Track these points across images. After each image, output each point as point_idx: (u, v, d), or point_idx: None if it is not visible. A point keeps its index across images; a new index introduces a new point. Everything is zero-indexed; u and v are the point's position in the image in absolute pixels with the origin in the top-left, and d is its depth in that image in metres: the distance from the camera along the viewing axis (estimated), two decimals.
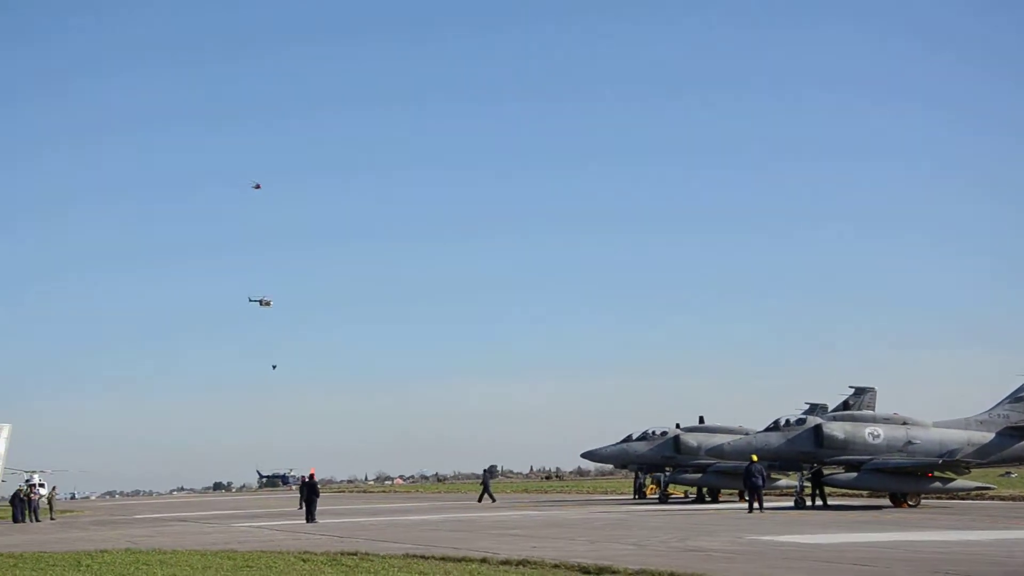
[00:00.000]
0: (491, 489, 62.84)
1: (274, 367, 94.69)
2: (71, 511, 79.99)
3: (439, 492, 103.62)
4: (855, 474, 43.82)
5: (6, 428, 69.84)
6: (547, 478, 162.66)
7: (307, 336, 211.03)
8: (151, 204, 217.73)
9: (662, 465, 57.01)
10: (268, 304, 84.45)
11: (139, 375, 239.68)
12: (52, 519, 60.69)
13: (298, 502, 59.83)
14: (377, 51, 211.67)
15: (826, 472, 46.10)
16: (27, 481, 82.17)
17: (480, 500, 60.59)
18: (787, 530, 29.04)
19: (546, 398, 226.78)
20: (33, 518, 58.18)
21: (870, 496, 48.94)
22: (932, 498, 46.20)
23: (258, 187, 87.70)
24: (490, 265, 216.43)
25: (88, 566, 23.11)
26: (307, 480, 45.30)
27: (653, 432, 57.27)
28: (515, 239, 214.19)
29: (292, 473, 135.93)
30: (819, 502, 45.14)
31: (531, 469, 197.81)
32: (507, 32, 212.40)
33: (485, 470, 69.75)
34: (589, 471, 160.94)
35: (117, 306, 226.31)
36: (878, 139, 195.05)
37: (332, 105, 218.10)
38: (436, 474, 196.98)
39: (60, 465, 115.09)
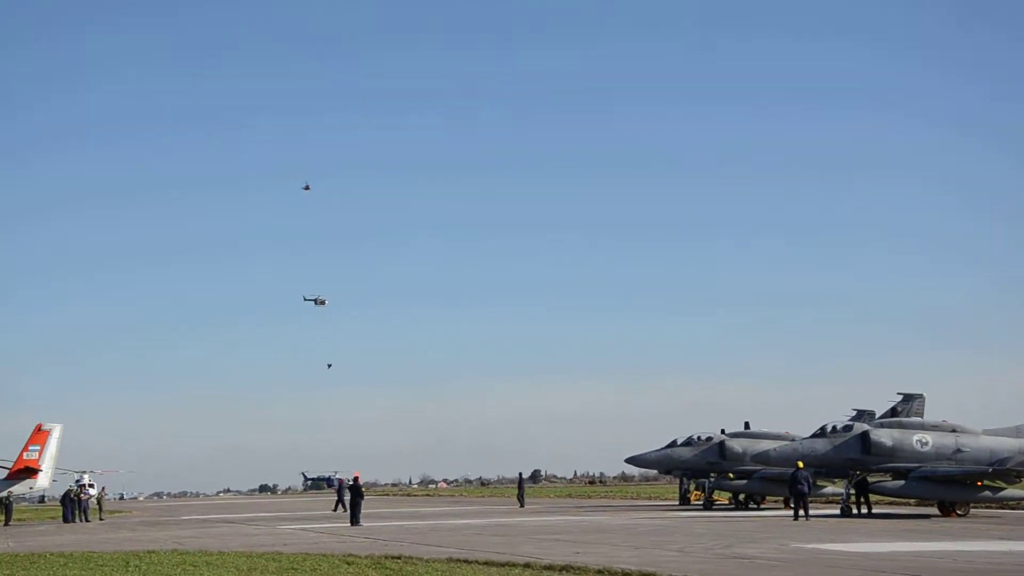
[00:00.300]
0: (523, 494, 63.04)
1: (329, 366, 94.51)
2: (120, 511, 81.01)
3: (483, 496, 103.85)
4: (903, 482, 43.26)
5: (57, 428, 70.85)
6: (591, 483, 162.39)
7: (353, 338, 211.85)
8: (200, 200, 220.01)
9: (707, 471, 56.56)
10: (323, 303, 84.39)
11: (186, 376, 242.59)
12: (101, 519, 61.45)
13: (334, 503, 60.62)
14: (418, 54, 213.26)
15: (873, 480, 45.57)
16: (77, 481, 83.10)
17: (523, 505, 60.72)
18: (833, 538, 28.73)
19: (590, 402, 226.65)
20: (83, 518, 58.93)
21: (917, 505, 48.32)
22: (982, 507, 45.51)
23: (307, 188, 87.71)
24: (535, 267, 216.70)
25: (136, 566, 23.33)
26: (351, 483, 45.41)
27: (698, 437, 56.97)
28: (560, 241, 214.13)
29: (337, 476, 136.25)
30: (864, 510, 44.65)
31: (575, 474, 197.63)
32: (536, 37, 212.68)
33: (520, 475, 69.64)
34: (633, 476, 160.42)
35: (166, 306, 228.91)
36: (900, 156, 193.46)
37: (357, 106, 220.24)
38: (480, 478, 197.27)
39: (109, 466, 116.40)
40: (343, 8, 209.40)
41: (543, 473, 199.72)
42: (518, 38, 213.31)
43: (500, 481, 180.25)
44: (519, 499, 62.53)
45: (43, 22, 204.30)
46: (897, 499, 48.12)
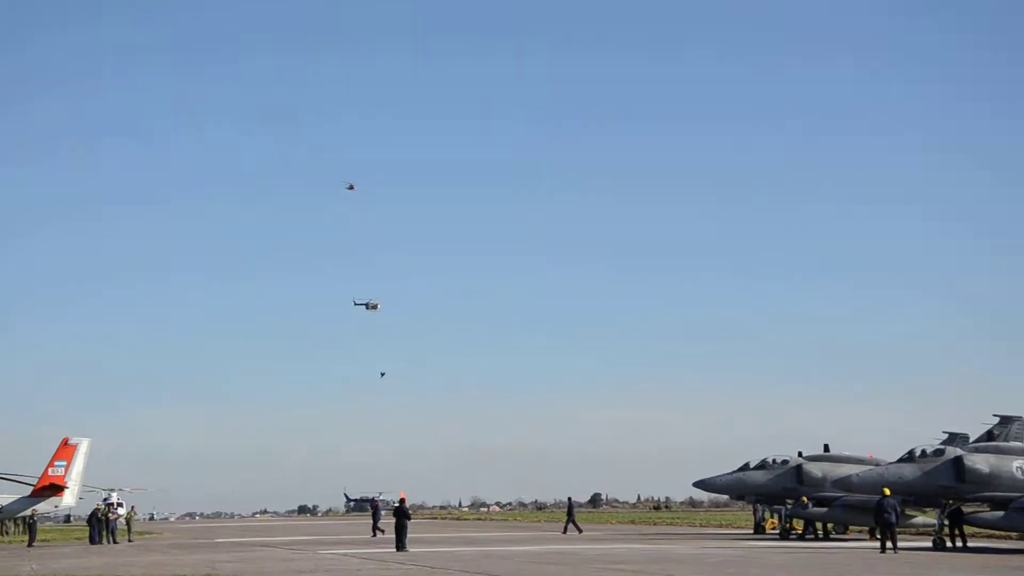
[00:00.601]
0: (574, 519, 62.64)
1: (382, 375, 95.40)
2: (150, 533, 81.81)
3: (539, 521, 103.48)
4: (1002, 513, 42.38)
5: (85, 442, 71.76)
6: (656, 508, 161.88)
7: (402, 348, 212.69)
8: (232, 207, 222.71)
9: (783, 497, 55.92)
10: (375, 308, 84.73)
11: (220, 389, 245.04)
12: (130, 541, 61.97)
13: (371, 528, 60.73)
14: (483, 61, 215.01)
15: (969, 510, 44.77)
16: (105, 500, 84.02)
17: (579, 531, 60.42)
18: (925, 573, 28.24)
19: (655, 421, 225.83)
20: (111, 539, 59.47)
21: (1019, 539, 47.40)
22: None
23: (352, 188, 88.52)
24: (592, 283, 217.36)
25: None
26: (397, 505, 45.54)
27: (773, 460, 56.50)
28: (616, 260, 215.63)
29: (381, 497, 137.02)
30: (959, 543, 43.88)
31: (638, 498, 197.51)
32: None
33: (570, 499, 69.12)
34: (702, 502, 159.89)
35: (203, 314, 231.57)
36: None
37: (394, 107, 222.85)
38: (535, 501, 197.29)
39: (139, 483, 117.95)
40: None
41: (604, 497, 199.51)
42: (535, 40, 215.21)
43: (557, 505, 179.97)
44: (565, 525, 61.84)
45: (70, 10, 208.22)
46: (996, 532, 47.22)
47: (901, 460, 44.82)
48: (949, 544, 43.19)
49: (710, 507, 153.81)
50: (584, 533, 59.81)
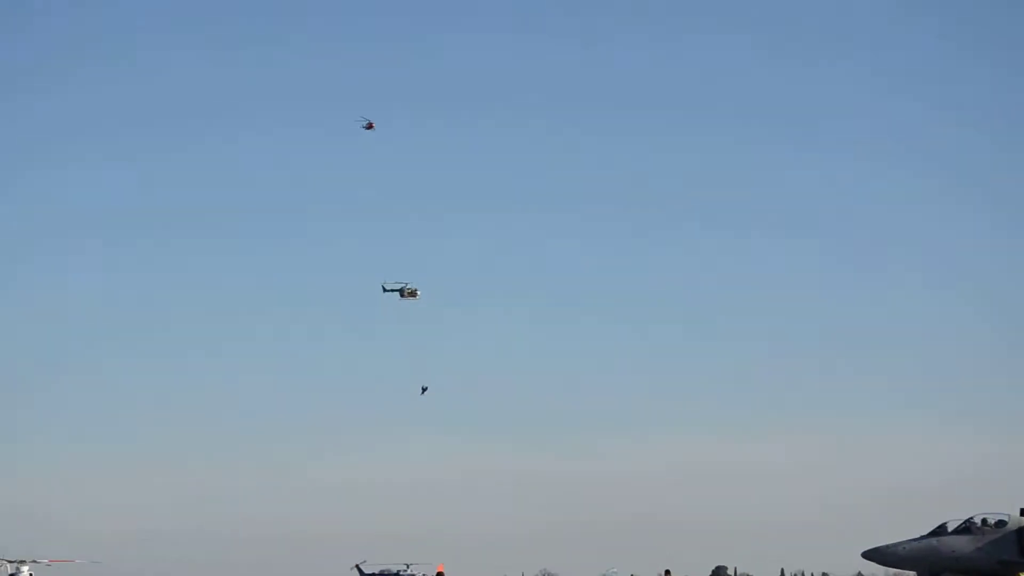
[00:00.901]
0: None
1: (424, 390, 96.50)
2: None
3: None
4: None
5: None
6: None
7: (448, 357, 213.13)
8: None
9: (997, 573, 55.16)
10: (413, 295, 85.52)
11: (183, 414, 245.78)
12: None
13: None
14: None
15: None
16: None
17: None
18: None
19: (802, 463, 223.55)
20: None
21: None
22: None
23: (371, 127, 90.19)
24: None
25: None
26: None
27: (983, 521, 55.41)
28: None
29: (410, 571, 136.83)
30: None
31: (782, 573, 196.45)
32: None
33: (668, 573, 68.33)
34: None
35: (146, 298, 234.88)
36: None
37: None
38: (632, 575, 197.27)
39: (63, 552, 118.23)
40: None
41: (733, 572, 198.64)
42: None
43: None
44: None
45: None
46: None
47: None
48: None
49: None
50: None
